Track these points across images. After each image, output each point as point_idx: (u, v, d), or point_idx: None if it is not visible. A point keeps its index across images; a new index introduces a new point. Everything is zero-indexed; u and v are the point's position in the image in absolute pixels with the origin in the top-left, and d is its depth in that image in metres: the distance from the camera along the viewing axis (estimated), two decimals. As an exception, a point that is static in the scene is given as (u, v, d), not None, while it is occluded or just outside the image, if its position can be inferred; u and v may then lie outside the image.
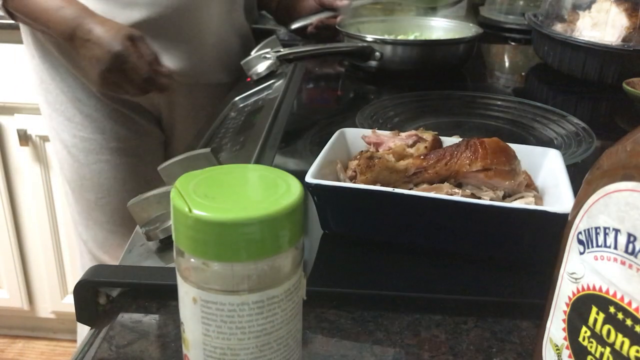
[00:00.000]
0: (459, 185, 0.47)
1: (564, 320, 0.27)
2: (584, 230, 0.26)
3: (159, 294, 0.42)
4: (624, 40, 0.90)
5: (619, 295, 0.24)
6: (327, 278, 0.43)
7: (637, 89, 0.77)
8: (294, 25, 1.21)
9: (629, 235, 0.23)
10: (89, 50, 0.85)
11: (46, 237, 1.56)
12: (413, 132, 0.53)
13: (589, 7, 0.97)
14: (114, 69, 0.84)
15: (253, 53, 0.99)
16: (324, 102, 0.96)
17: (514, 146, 0.48)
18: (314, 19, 1.20)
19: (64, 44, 0.91)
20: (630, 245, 0.23)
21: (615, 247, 0.24)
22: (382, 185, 0.46)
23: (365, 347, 0.37)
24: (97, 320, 0.40)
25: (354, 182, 0.48)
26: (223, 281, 0.26)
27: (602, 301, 0.25)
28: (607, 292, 0.24)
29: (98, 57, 0.84)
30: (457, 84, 1.00)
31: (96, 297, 0.42)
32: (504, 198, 0.46)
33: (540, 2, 1.06)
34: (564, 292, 0.27)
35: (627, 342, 0.23)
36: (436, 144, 0.51)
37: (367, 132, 0.54)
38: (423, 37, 1.10)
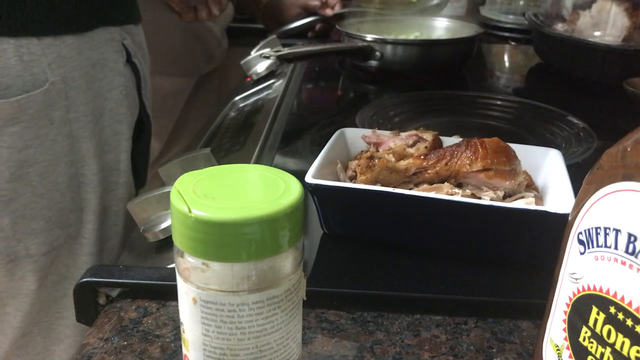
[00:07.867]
0: (459, 186, 0.47)
1: (564, 321, 0.27)
2: (585, 231, 0.26)
3: (158, 294, 0.42)
4: (624, 39, 0.90)
5: (619, 296, 0.24)
6: (327, 278, 0.43)
7: (638, 88, 0.77)
8: (280, 31, 1.26)
9: (630, 235, 0.23)
10: None
11: None
12: (413, 132, 0.53)
13: (589, 6, 0.96)
14: None
15: (253, 53, 0.99)
16: (324, 102, 0.96)
17: (514, 146, 0.48)
18: (299, 24, 1.27)
19: None
20: (631, 246, 0.23)
21: (616, 247, 0.24)
22: (382, 185, 0.46)
23: (365, 347, 0.37)
24: (96, 320, 0.40)
25: (354, 182, 0.48)
26: (223, 281, 0.26)
27: (602, 301, 0.25)
28: (607, 292, 0.24)
29: None
30: (457, 84, 1.00)
31: (96, 297, 0.42)
32: (504, 198, 0.46)
33: (541, 1, 1.06)
34: (565, 292, 0.27)
35: (627, 342, 0.23)
36: (436, 144, 0.51)
37: (367, 132, 0.54)
38: (423, 37, 1.10)
